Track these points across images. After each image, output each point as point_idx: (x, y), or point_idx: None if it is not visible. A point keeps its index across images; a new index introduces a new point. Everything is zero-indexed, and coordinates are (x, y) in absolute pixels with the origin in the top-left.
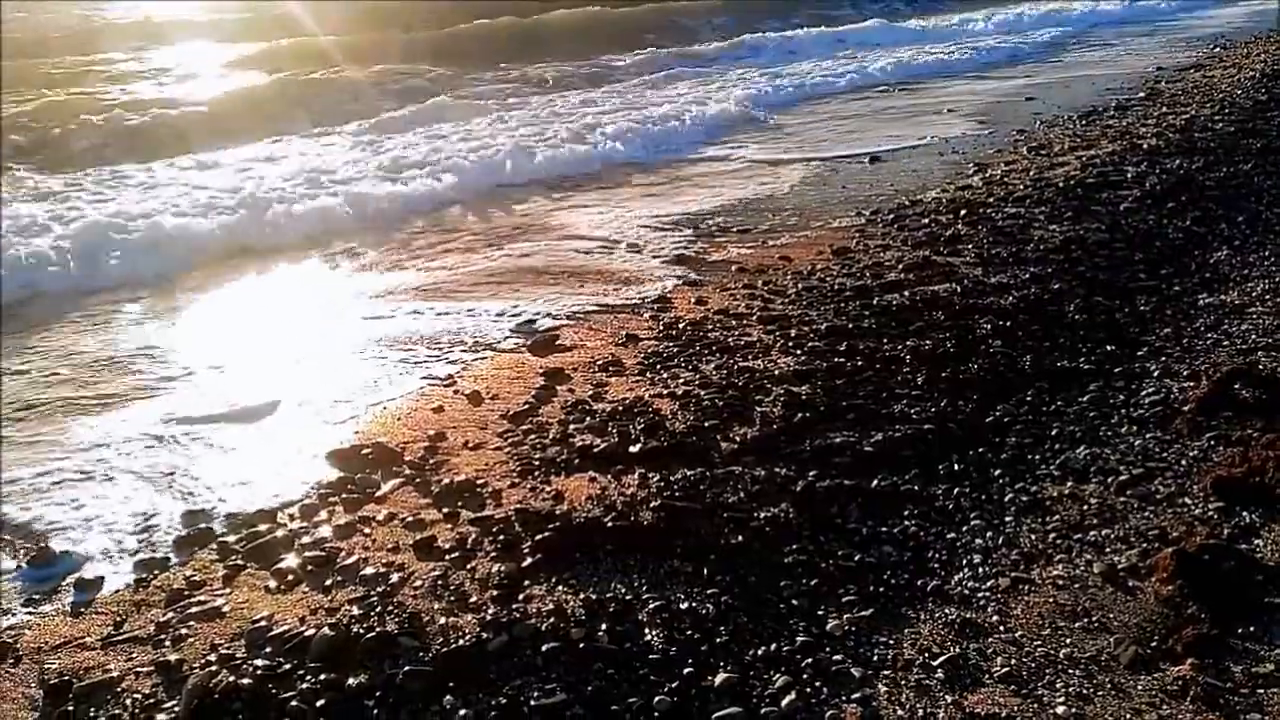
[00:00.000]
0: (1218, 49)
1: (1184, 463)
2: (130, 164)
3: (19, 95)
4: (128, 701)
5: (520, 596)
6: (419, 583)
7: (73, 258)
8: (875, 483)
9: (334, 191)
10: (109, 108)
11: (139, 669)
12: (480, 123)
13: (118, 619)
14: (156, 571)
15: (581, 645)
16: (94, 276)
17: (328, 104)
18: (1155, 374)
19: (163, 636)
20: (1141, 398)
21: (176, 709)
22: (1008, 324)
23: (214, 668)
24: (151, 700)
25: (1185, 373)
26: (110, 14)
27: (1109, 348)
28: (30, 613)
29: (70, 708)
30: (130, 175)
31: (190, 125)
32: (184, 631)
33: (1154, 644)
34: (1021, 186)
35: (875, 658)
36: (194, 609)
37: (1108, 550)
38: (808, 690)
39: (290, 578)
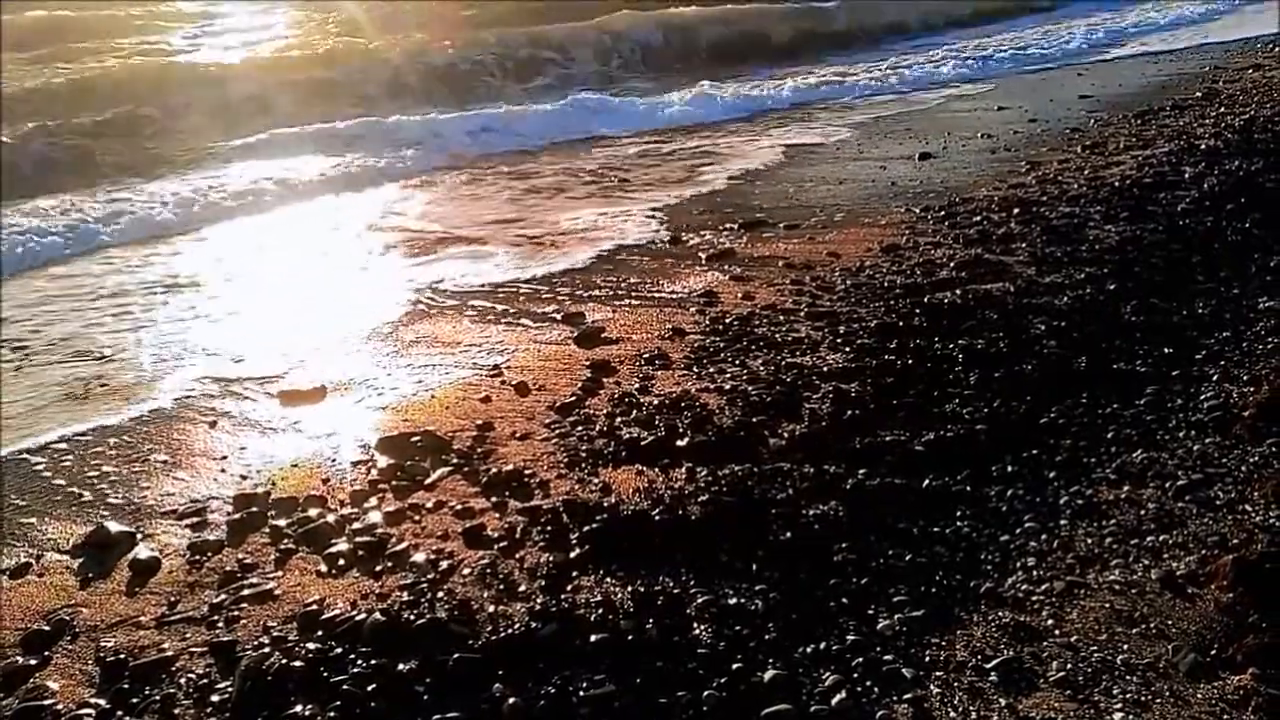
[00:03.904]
0: (1277, 49)
1: (1244, 469)
2: None
3: None
4: (182, 681)
5: (568, 587)
6: (468, 570)
7: None
8: (926, 482)
9: None
10: None
11: (193, 649)
12: None
13: (172, 599)
14: (210, 553)
15: (630, 637)
16: None
17: None
18: (1214, 378)
19: (216, 618)
20: (1200, 402)
21: (230, 689)
22: (1062, 324)
23: (267, 649)
24: (205, 680)
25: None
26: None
27: (1166, 350)
28: (87, 591)
29: (126, 685)
30: None
31: None
32: (237, 613)
33: (1214, 652)
34: (1076, 185)
35: (927, 659)
36: (246, 591)
37: (1165, 556)
38: (858, 689)
39: (341, 562)
